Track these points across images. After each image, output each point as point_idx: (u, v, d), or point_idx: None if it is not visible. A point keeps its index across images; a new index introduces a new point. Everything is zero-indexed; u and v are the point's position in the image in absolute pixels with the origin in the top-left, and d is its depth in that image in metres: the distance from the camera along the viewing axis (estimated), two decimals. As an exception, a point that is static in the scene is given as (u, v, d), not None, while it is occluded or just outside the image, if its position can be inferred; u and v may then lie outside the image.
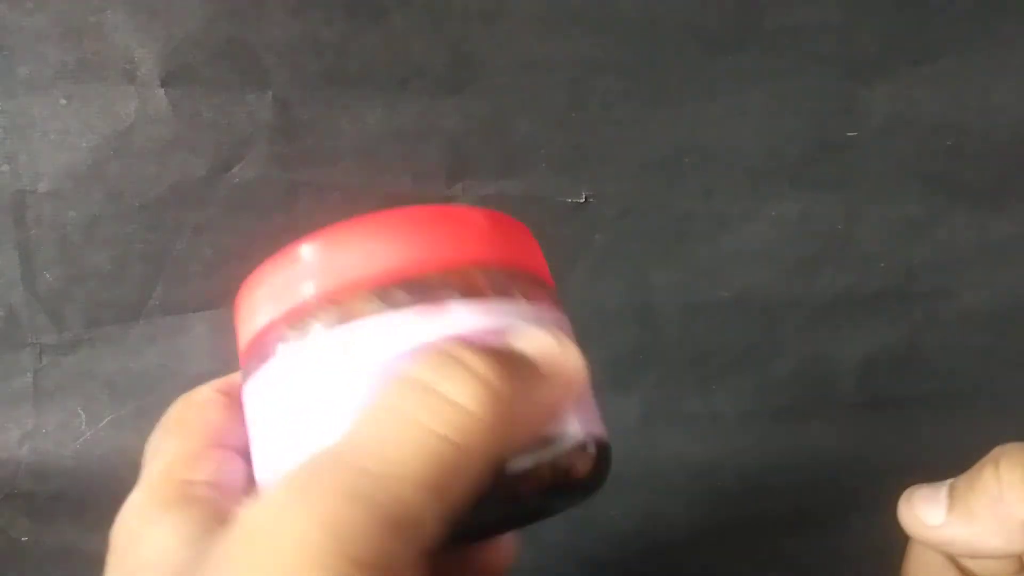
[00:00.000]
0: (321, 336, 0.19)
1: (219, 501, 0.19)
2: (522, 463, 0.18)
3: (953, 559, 0.25)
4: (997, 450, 0.23)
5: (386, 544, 0.15)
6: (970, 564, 0.25)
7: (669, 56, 0.36)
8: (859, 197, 0.39)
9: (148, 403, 0.36)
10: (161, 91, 0.33)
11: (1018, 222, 0.40)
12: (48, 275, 0.35)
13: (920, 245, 0.40)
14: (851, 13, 0.37)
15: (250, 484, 0.21)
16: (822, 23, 0.37)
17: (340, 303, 0.19)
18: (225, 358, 0.38)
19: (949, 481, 0.24)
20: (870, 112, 0.38)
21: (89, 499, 0.36)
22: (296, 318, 0.20)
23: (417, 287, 0.19)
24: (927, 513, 0.23)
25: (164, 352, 0.36)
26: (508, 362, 0.17)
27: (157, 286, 0.36)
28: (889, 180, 0.39)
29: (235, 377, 0.24)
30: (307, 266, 0.21)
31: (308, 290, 0.20)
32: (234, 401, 0.23)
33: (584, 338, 0.22)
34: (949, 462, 0.25)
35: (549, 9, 0.34)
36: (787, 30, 0.37)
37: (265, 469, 0.20)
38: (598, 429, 0.21)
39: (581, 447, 0.20)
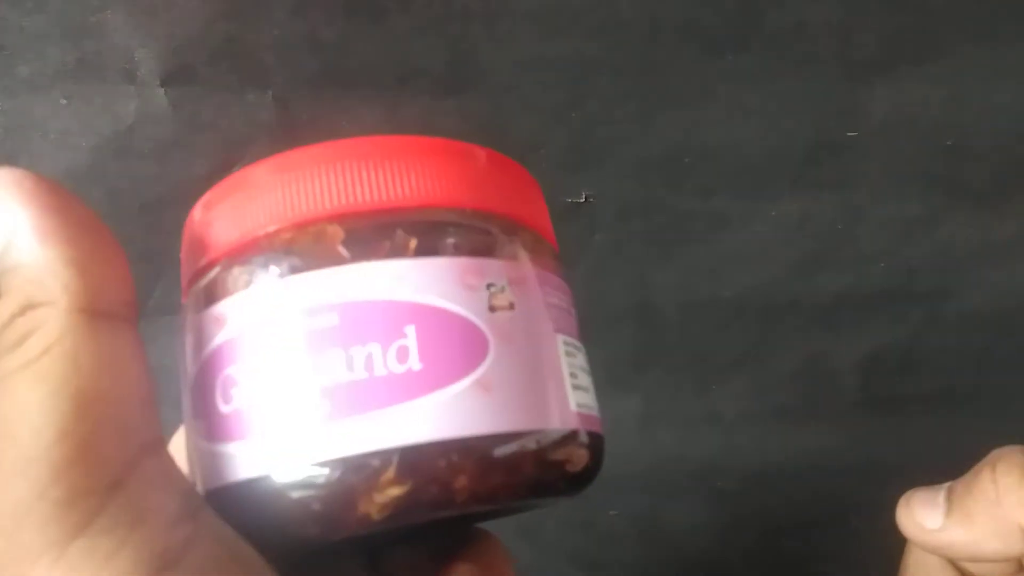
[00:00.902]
0: (190, 308, 0.19)
1: None
2: (504, 449, 0.16)
3: (952, 561, 0.25)
4: (994, 453, 0.23)
5: None
6: (969, 567, 0.25)
7: (669, 56, 0.36)
8: (859, 197, 0.39)
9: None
10: (161, 91, 0.33)
11: (1019, 222, 0.40)
12: (48, 275, 0.35)
13: (921, 245, 0.40)
14: (851, 13, 0.37)
15: None
16: (822, 23, 0.37)
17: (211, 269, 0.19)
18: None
19: (947, 484, 0.24)
20: (870, 112, 0.38)
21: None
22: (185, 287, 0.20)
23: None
24: (925, 517, 0.24)
25: (164, 352, 0.36)
26: None
27: (157, 286, 0.36)
28: (890, 180, 0.39)
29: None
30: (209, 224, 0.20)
31: (202, 257, 0.20)
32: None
33: (584, 338, 0.22)
34: (949, 462, 0.25)
35: (549, 9, 0.34)
36: (787, 30, 0.36)
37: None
38: (589, 421, 0.19)
39: (570, 436, 0.18)
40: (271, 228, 0.18)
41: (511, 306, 0.18)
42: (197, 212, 0.20)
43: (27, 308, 0.15)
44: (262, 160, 0.19)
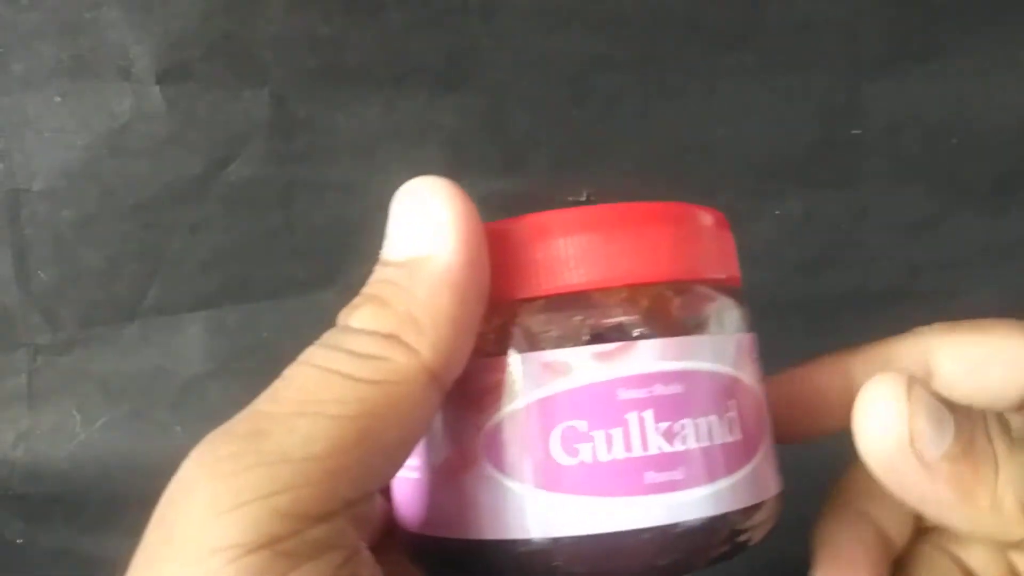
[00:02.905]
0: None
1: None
2: (693, 523, 0.17)
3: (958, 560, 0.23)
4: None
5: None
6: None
7: (671, 53, 0.36)
8: (863, 196, 0.39)
9: (143, 404, 0.36)
10: (156, 88, 0.33)
11: (1023, 221, 0.40)
12: (42, 274, 0.35)
13: (924, 244, 0.40)
14: (856, 10, 0.36)
15: None
16: (826, 20, 0.36)
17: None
18: (221, 358, 0.37)
19: (954, 408, 0.18)
20: (875, 110, 0.38)
21: (84, 501, 0.36)
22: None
23: (596, 312, 0.17)
24: (929, 438, 0.17)
25: (159, 352, 0.36)
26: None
27: (152, 285, 0.35)
28: (894, 179, 0.39)
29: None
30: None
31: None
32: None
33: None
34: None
35: (549, 5, 0.34)
36: (791, 27, 0.36)
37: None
38: (775, 487, 0.19)
39: (754, 508, 0.18)
40: (614, 282, 0.18)
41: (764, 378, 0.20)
42: (555, 224, 0.18)
43: (392, 337, 0.16)
44: (609, 204, 0.18)
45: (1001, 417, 0.18)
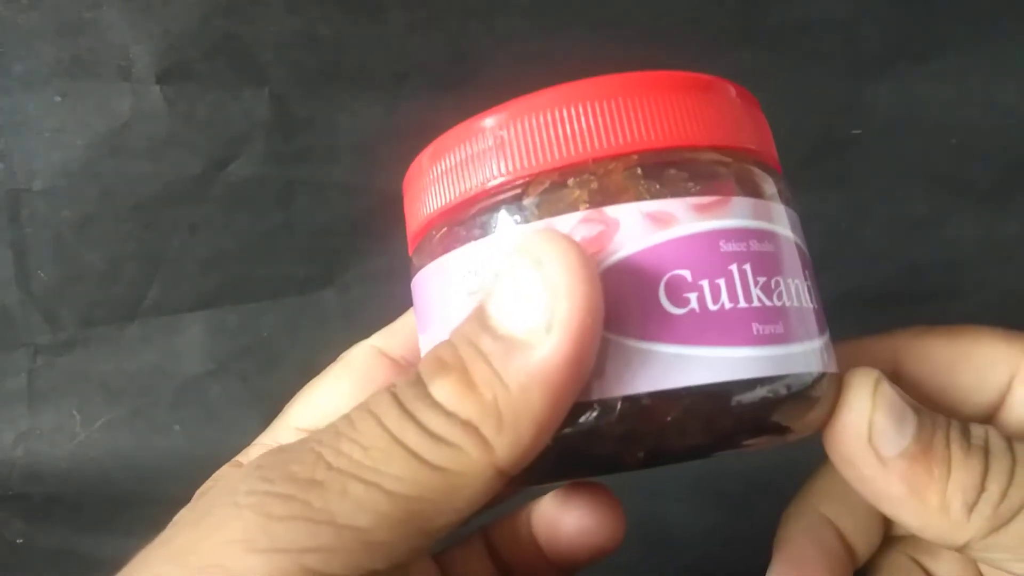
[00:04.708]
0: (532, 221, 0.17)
1: None
2: (802, 376, 0.17)
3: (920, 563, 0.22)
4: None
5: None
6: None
7: (670, 52, 0.35)
8: (863, 196, 0.39)
9: (143, 404, 0.36)
10: (156, 88, 0.33)
11: (1023, 221, 0.40)
12: (42, 274, 0.35)
13: (925, 244, 0.40)
14: (855, 9, 0.36)
15: None
16: (826, 19, 0.36)
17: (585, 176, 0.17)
18: (221, 358, 0.37)
19: (915, 406, 0.18)
20: (874, 110, 0.38)
21: (84, 501, 0.36)
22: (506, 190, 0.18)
23: (692, 167, 0.17)
24: (885, 435, 0.17)
25: (159, 352, 0.36)
26: (482, 394, 0.15)
27: (152, 286, 0.35)
28: (894, 179, 0.39)
29: (397, 330, 0.24)
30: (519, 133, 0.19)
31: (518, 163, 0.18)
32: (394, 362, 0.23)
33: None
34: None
35: (549, 4, 0.34)
36: (790, 26, 0.36)
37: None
38: (831, 366, 0.18)
39: (836, 375, 0.18)
40: (707, 141, 0.18)
41: None
42: (658, 82, 0.19)
43: (470, 426, 0.15)
44: (705, 75, 0.19)
45: (964, 425, 0.18)
